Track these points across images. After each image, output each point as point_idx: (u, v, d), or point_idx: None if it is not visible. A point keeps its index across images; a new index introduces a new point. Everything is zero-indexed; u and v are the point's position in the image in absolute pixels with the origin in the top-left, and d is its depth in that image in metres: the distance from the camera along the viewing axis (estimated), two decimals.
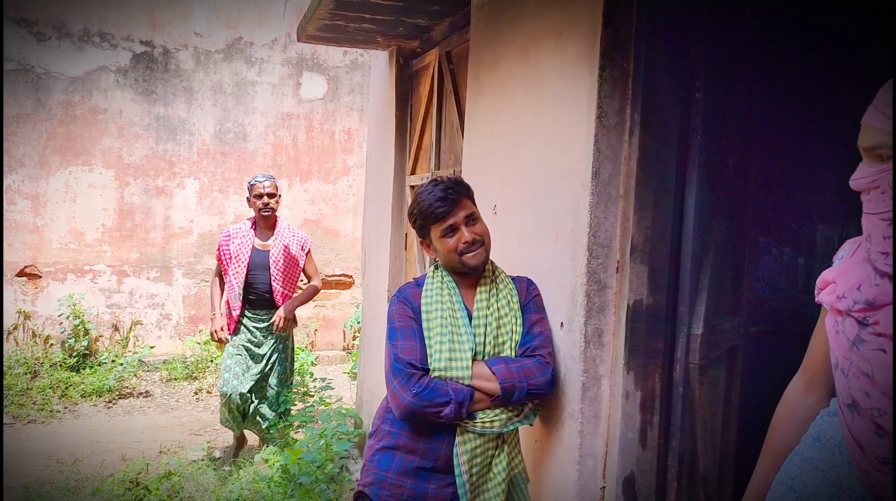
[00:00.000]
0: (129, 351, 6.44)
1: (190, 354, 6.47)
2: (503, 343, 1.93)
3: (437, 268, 2.00)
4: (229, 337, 4.26)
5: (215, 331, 4.27)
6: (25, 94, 6.06)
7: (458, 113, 3.22)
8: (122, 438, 4.89)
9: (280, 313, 4.24)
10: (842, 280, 1.23)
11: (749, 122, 2.10)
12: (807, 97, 2.35)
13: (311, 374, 5.89)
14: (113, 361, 6.14)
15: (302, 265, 4.40)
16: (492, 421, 1.84)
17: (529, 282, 2.07)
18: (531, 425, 1.96)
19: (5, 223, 5.98)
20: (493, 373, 1.85)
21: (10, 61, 6.01)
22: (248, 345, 4.26)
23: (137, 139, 6.45)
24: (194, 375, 6.24)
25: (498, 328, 1.93)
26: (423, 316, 1.90)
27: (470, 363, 1.86)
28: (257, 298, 4.27)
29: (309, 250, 4.45)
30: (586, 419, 1.91)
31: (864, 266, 1.19)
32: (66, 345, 6.18)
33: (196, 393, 5.92)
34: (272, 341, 4.28)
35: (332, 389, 4.73)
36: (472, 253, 1.91)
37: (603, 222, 1.91)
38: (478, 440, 1.85)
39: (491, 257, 2.01)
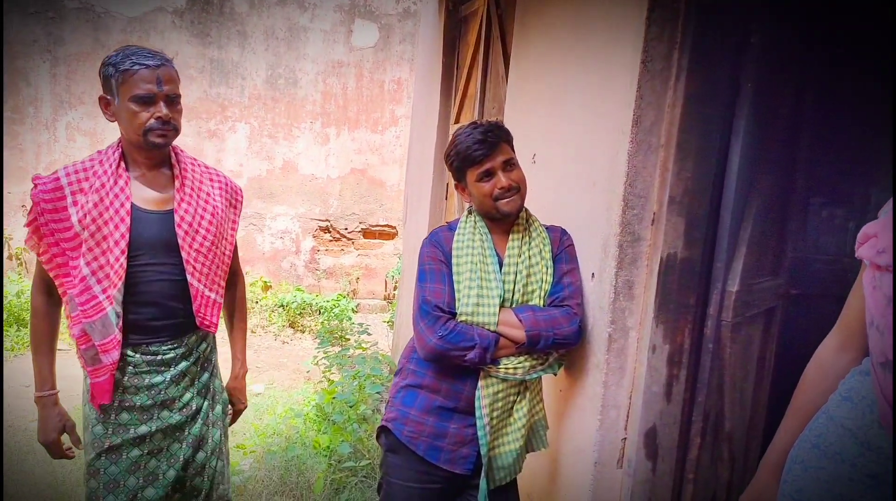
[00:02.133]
0: None
1: None
2: (532, 292, 1.92)
3: (470, 212, 1.98)
4: (98, 430, 1.90)
5: (51, 443, 1.92)
6: (85, 32, 6.19)
7: (503, 60, 3.15)
8: None
9: (237, 383, 2.17)
10: (884, 234, 1.16)
11: (805, 71, 2.00)
12: (871, 49, 2.21)
13: (351, 319, 6.00)
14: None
15: (234, 240, 2.09)
16: (515, 368, 1.84)
17: (563, 232, 2.04)
18: (555, 374, 1.96)
19: (66, 160, 6.20)
20: (520, 321, 1.84)
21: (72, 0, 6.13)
22: (150, 422, 1.91)
23: (192, 81, 6.55)
24: None
25: (528, 276, 1.92)
26: (454, 260, 1.90)
27: (497, 309, 1.85)
28: (156, 316, 1.89)
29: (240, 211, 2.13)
30: (611, 370, 1.89)
31: None
32: None
33: None
34: (196, 389, 2.00)
35: (370, 334, 4.81)
36: (507, 199, 1.88)
37: (641, 172, 1.85)
38: (500, 385, 1.85)
39: (526, 205, 1.98)
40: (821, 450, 1.25)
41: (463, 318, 1.83)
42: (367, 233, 7.26)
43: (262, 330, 6.18)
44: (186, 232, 1.88)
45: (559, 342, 1.85)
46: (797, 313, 2.21)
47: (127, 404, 1.88)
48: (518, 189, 1.89)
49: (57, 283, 1.85)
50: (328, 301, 6.40)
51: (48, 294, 1.90)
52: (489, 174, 1.86)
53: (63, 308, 1.90)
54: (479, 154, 1.85)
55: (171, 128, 1.83)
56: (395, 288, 7.18)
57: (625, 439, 1.92)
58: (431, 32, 4.24)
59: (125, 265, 1.80)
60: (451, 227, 1.99)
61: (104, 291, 1.79)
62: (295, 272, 7.05)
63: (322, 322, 6.02)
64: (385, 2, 6.96)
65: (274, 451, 3.51)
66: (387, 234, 7.34)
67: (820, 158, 2.17)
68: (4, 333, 5.12)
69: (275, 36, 6.72)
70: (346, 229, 7.17)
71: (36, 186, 1.79)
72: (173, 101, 1.82)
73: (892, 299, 1.12)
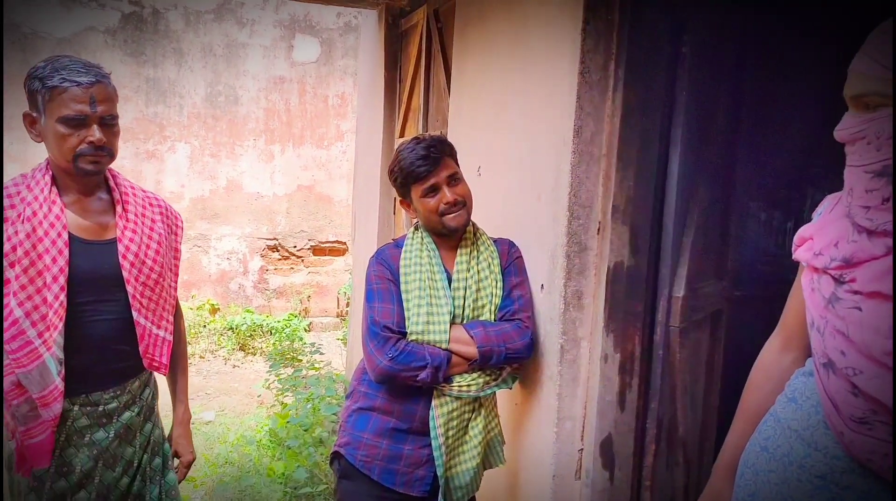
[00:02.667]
0: None
1: None
2: (482, 307, 1.90)
3: (416, 229, 1.96)
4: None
5: None
6: (12, 54, 5.94)
7: (445, 73, 3.14)
8: None
9: (182, 430, 1.93)
10: (819, 237, 1.18)
11: (739, 80, 2.04)
12: (801, 55, 2.28)
13: (302, 339, 5.89)
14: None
15: (178, 271, 1.93)
16: (469, 385, 1.82)
17: (511, 244, 2.03)
18: (510, 389, 1.94)
19: None
20: (471, 337, 1.82)
21: None
22: (90, 486, 1.69)
23: (127, 101, 6.35)
24: (188, 340, 6.24)
25: (478, 291, 1.90)
26: (402, 278, 1.87)
27: (448, 326, 1.82)
28: (97, 360, 1.68)
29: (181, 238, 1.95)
30: (565, 382, 1.89)
31: (842, 222, 1.15)
32: None
33: (189, 358, 5.93)
34: (139, 442, 1.78)
35: (322, 354, 4.73)
36: (453, 214, 1.86)
37: (584, 182, 1.86)
38: (454, 403, 1.83)
39: (473, 219, 1.97)
40: (769, 453, 1.26)
41: (413, 337, 1.80)
42: (316, 250, 7.16)
43: (212, 355, 6.01)
44: (132, 264, 1.68)
45: (512, 357, 1.84)
46: (742, 314, 2.26)
47: (65, 469, 1.64)
48: (464, 204, 1.87)
49: None
50: (279, 322, 6.27)
51: None
52: (434, 190, 1.84)
53: None
54: (422, 170, 1.83)
55: (104, 153, 1.61)
56: (347, 305, 7.09)
57: (581, 450, 1.91)
58: (372, 47, 4.21)
59: (65, 304, 1.57)
60: (398, 244, 1.96)
61: (40, 334, 1.54)
62: (244, 293, 6.89)
63: (273, 344, 5.89)
64: (326, 16, 6.91)
65: (226, 481, 3.39)
66: (337, 250, 7.25)
67: (757, 163, 2.23)
68: None
69: (213, 53, 6.58)
70: (295, 246, 7.05)
71: None
72: (109, 123, 1.60)
73: (829, 301, 1.14)
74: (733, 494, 1.33)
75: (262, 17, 6.70)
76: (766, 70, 2.18)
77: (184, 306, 6.51)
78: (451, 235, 1.90)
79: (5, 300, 1.54)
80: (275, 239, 6.96)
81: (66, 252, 1.58)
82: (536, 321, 1.97)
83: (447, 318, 1.83)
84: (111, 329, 1.68)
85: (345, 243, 7.22)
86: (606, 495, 1.88)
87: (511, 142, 2.20)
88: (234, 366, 5.81)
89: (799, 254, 1.23)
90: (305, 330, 6.38)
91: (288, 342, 5.74)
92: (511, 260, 1.98)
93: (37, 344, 1.55)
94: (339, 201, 7.15)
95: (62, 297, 1.57)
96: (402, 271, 1.87)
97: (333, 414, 3.78)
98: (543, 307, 1.96)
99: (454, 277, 1.89)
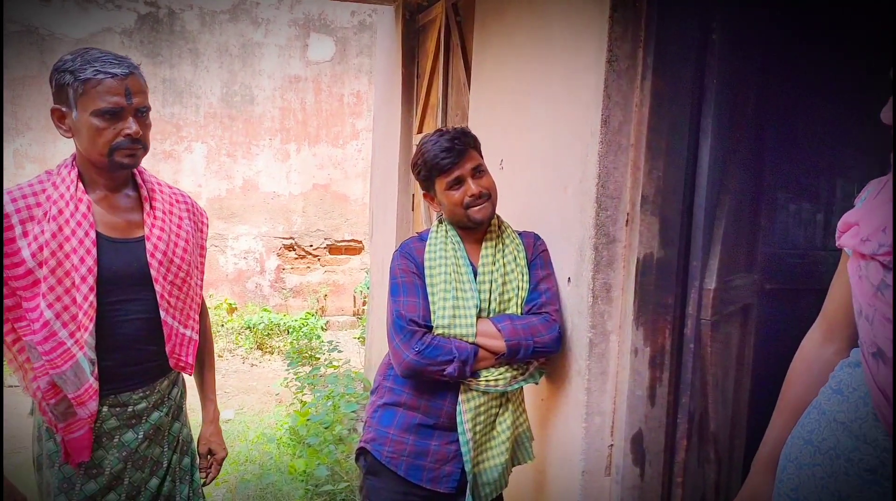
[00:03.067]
0: None
1: None
2: (509, 300, 1.87)
3: (441, 222, 1.93)
4: None
5: None
6: (30, 56, 5.99)
7: (464, 67, 3.12)
8: None
9: (213, 428, 1.90)
10: (865, 222, 1.15)
11: (768, 68, 2.00)
12: (832, 44, 2.23)
13: (320, 337, 5.89)
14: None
15: (203, 269, 1.87)
16: (496, 380, 1.79)
17: (536, 237, 2.00)
18: (536, 383, 1.91)
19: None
20: (499, 330, 1.79)
21: (14, 23, 5.92)
22: (119, 488, 1.66)
23: None
24: None
25: (504, 284, 1.87)
26: (427, 272, 1.84)
27: (474, 320, 1.80)
28: (126, 361, 1.65)
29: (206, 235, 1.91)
30: (593, 376, 1.85)
31: (889, 207, 1.11)
32: None
33: None
34: (168, 442, 1.76)
35: (341, 352, 4.72)
36: (478, 207, 1.83)
37: (612, 173, 1.82)
38: (481, 398, 1.80)
39: (497, 212, 1.94)
40: (814, 446, 1.22)
41: (439, 331, 1.78)
42: (332, 249, 7.16)
43: (230, 354, 6.03)
44: (160, 262, 1.63)
45: (539, 351, 1.81)
46: (771, 308, 2.21)
47: (94, 471, 1.61)
48: (489, 196, 1.85)
49: (5, 329, 1.53)
50: (296, 320, 6.28)
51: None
52: (459, 182, 1.81)
53: (7, 358, 1.59)
54: (447, 162, 1.80)
55: (140, 146, 1.55)
56: (364, 303, 7.08)
57: (611, 445, 1.88)
58: (389, 43, 4.19)
59: (95, 304, 1.53)
60: (423, 237, 1.94)
61: (72, 335, 1.51)
62: (261, 293, 6.90)
63: (291, 342, 5.90)
64: (340, 15, 6.90)
65: (248, 480, 3.39)
66: (353, 249, 7.25)
67: (786, 154, 2.18)
68: None
69: (228, 53, 6.60)
70: (312, 245, 7.06)
71: None
72: (143, 115, 1.55)
73: (878, 288, 1.10)
74: (775, 489, 1.30)
75: (277, 16, 6.71)
76: (795, 58, 2.13)
77: None
78: (477, 227, 1.88)
79: (36, 302, 1.50)
80: (291, 238, 6.97)
81: (94, 251, 1.53)
82: (564, 314, 1.94)
83: (474, 312, 1.80)
84: (139, 329, 1.63)
85: (361, 242, 7.22)
86: (637, 492, 1.84)
87: (534, 134, 2.17)
88: (252, 365, 5.82)
89: (844, 240, 1.19)
90: (322, 329, 6.38)
91: (305, 341, 5.73)
92: (537, 253, 1.95)
93: (69, 344, 1.51)
94: (354, 199, 7.15)
95: (91, 297, 1.52)
96: (426, 264, 1.85)
97: (353, 412, 3.77)
98: (571, 301, 1.93)
99: (480, 270, 1.87)
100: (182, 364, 1.74)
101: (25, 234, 1.48)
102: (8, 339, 1.54)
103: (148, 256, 1.61)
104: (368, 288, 5.64)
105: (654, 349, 1.84)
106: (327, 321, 6.80)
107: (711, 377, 1.92)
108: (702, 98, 1.83)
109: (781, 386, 1.43)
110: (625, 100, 1.81)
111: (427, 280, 1.83)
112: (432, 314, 1.79)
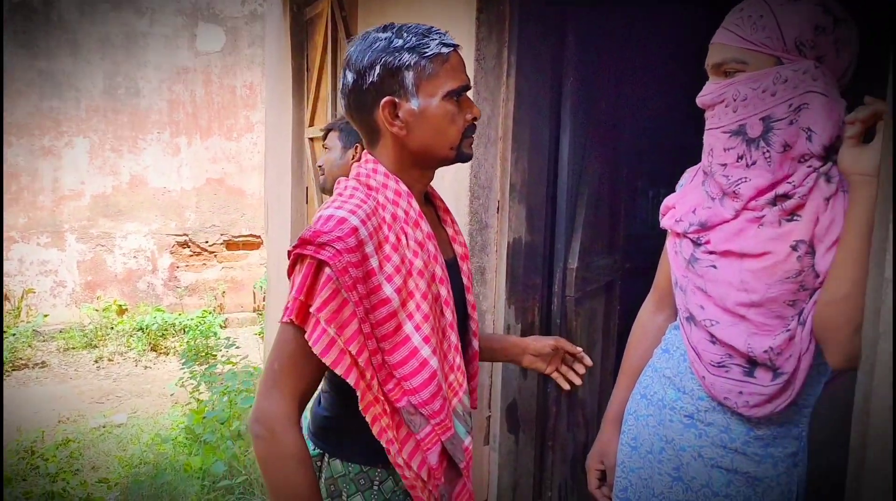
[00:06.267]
0: (22, 321, 6.11)
1: (88, 322, 6.21)
2: None
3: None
4: None
5: None
6: None
7: None
8: (17, 410, 4.67)
9: None
10: (680, 205, 1.33)
11: (621, 67, 2.20)
12: (680, 43, 2.47)
13: (217, 335, 5.79)
14: (3, 332, 5.82)
15: None
16: None
17: None
18: None
19: None
20: None
21: None
22: None
23: (20, 96, 6.01)
24: (94, 343, 6.00)
25: None
26: None
27: None
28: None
29: None
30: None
31: (699, 190, 1.29)
32: None
33: (96, 361, 5.71)
34: None
35: (239, 348, 4.68)
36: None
37: (483, 164, 1.96)
38: None
39: None
40: (647, 399, 1.40)
41: None
42: (230, 245, 7.02)
43: (121, 357, 5.81)
44: (468, 287, 1.34)
45: None
46: (634, 285, 2.43)
47: None
48: None
49: (366, 397, 1.07)
50: (192, 319, 6.13)
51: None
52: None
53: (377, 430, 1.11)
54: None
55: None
56: (264, 299, 7.00)
57: (489, 417, 2.02)
58: (278, 35, 4.18)
59: (455, 334, 1.21)
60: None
61: (450, 384, 1.19)
62: (153, 292, 6.68)
63: (188, 341, 5.76)
64: (230, 4, 6.75)
65: (141, 480, 3.33)
66: (251, 244, 7.13)
67: (642, 144, 2.40)
68: None
69: (111, 43, 6.32)
70: (207, 242, 6.89)
71: (332, 246, 1.04)
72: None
73: (689, 262, 1.28)
74: (620, 439, 1.47)
75: (163, 5, 6.48)
76: (647, 55, 2.35)
77: (88, 307, 6.27)
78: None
79: (403, 353, 1.13)
80: (185, 235, 6.77)
81: (448, 278, 1.21)
82: None
83: None
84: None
85: (259, 237, 7.11)
86: (513, 456, 2.00)
87: None
88: (146, 367, 5.65)
89: (664, 222, 1.37)
90: (221, 326, 6.26)
91: (202, 339, 5.62)
92: None
93: (448, 396, 1.19)
94: (251, 193, 7.03)
95: (451, 334, 1.20)
96: None
97: (250, 406, 3.76)
98: None
99: None
100: (475, 404, 1.43)
101: (381, 266, 1.11)
102: (376, 409, 1.10)
103: (464, 278, 1.33)
104: (267, 283, 5.60)
105: (525, 325, 2.00)
106: (226, 319, 6.68)
107: None
108: (560, 94, 2.00)
109: None
110: (493, 96, 1.95)
111: None
112: None
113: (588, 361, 1.50)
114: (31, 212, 6.18)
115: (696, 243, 1.27)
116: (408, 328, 1.12)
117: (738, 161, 1.18)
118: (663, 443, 1.33)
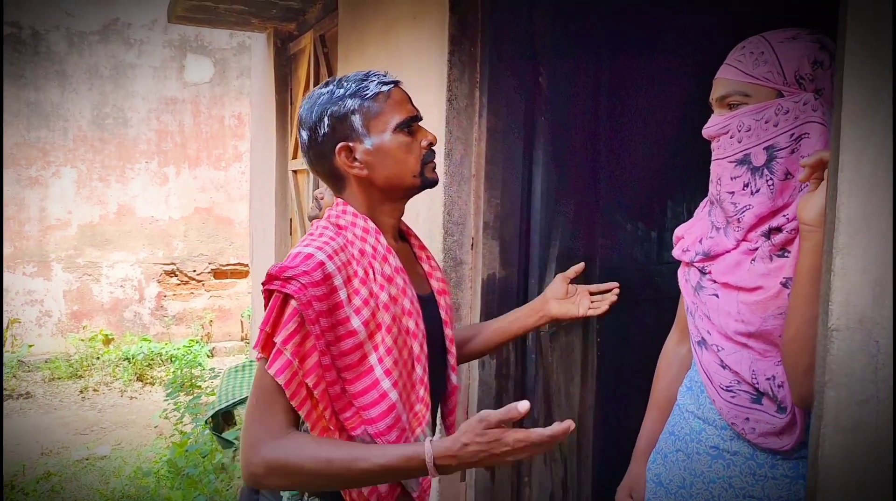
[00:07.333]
0: (7, 351, 6.06)
1: (74, 351, 6.17)
2: None
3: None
4: None
5: None
6: None
7: None
8: None
9: None
10: (688, 235, 1.37)
11: (596, 106, 2.24)
12: (654, 81, 2.52)
13: (202, 365, 5.76)
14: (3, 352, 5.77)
15: None
16: None
17: None
18: None
19: None
20: None
21: None
22: None
23: (7, 126, 6.03)
24: (79, 373, 5.96)
25: None
26: None
27: None
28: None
29: None
30: None
31: (705, 221, 1.33)
32: None
33: (82, 392, 5.66)
34: None
35: None
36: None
37: (457, 201, 1.99)
38: None
39: None
40: (675, 436, 1.41)
41: None
42: (217, 273, 7.01)
43: (106, 387, 5.77)
44: (446, 322, 1.35)
45: None
46: (614, 318, 2.44)
47: None
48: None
49: (317, 426, 1.14)
50: (178, 349, 6.10)
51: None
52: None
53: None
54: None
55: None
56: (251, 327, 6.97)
57: None
58: (263, 69, 4.24)
59: (426, 377, 1.23)
60: None
61: (415, 416, 1.21)
62: (140, 321, 6.65)
63: (174, 371, 5.73)
64: (218, 36, 6.83)
65: None
66: (239, 273, 7.12)
67: (620, 180, 2.43)
68: None
69: (99, 74, 6.37)
70: (195, 270, 6.88)
71: (298, 281, 1.09)
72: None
73: (696, 289, 1.31)
74: (646, 476, 1.47)
75: (151, 37, 6.55)
76: (624, 97, 2.39)
77: (74, 337, 6.23)
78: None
79: (363, 384, 1.16)
80: (172, 264, 6.77)
81: (420, 311, 1.23)
82: None
83: None
84: (438, 402, 1.38)
85: (247, 266, 7.10)
86: (489, 494, 2.00)
87: None
88: (132, 398, 5.60)
89: (674, 252, 1.41)
90: (208, 356, 6.23)
91: (187, 369, 5.59)
92: None
93: (408, 429, 1.20)
94: (239, 222, 7.05)
95: (425, 364, 1.23)
96: None
97: (235, 439, 3.74)
98: None
99: None
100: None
101: (350, 299, 1.15)
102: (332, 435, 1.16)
103: (442, 313, 1.35)
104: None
105: (500, 361, 2.01)
106: (213, 348, 6.65)
107: (554, 384, 2.11)
108: (533, 132, 2.03)
109: (628, 384, 1.61)
110: (465, 135, 1.98)
111: None
112: None
113: (614, 284, 1.52)
114: (17, 241, 6.17)
115: (702, 272, 1.30)
116: (372, 359, 1.16)
117: (744, 189, 1.21)
118: (693, 477, 1.34)
